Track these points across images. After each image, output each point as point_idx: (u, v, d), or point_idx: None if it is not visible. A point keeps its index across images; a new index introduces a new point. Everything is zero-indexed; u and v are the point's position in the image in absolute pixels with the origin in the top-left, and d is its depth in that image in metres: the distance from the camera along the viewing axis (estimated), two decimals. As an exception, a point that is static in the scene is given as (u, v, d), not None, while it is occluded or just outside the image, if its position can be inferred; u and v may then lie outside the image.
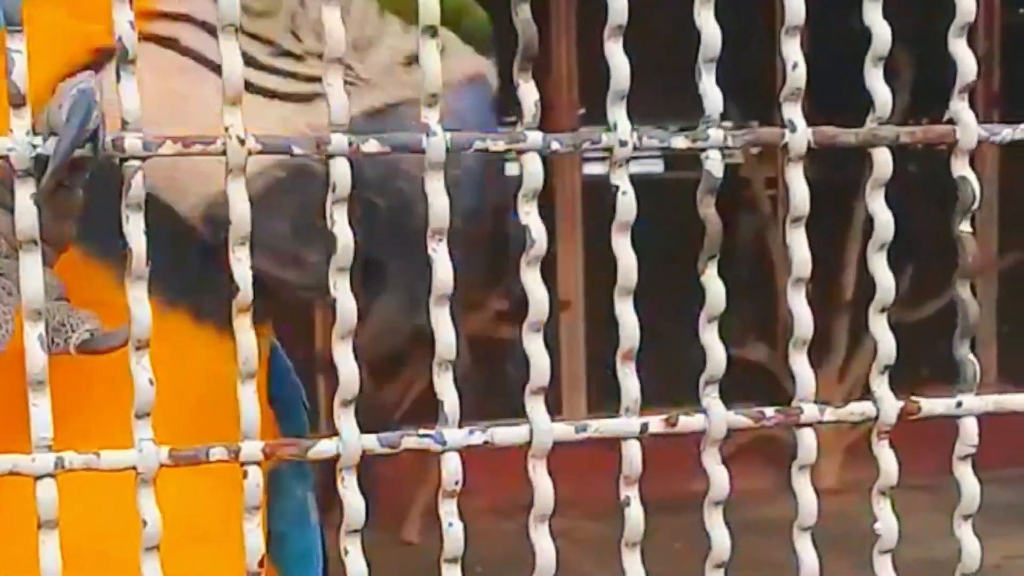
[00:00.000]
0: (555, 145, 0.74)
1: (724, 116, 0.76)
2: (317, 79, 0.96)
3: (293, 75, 1.03)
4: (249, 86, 1.03)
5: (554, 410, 0.91)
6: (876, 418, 0.80)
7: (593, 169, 6.76)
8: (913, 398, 0.80)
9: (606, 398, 5.99)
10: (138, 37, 1.09)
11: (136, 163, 0.68)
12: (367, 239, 1.00)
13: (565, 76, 6.55)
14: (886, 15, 0.77)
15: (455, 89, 1.00)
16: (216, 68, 1.01)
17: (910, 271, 5.87)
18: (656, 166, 7.41)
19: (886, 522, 0.80)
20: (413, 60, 0.96)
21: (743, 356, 6.61)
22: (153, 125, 1.02)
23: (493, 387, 5.54)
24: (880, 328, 0.79)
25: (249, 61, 1.01)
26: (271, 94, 1.03)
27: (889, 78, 0.78)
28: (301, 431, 1.20)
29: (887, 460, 0.80)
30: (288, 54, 1.04)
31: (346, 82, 1.01)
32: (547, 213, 6.49)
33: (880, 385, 0.80)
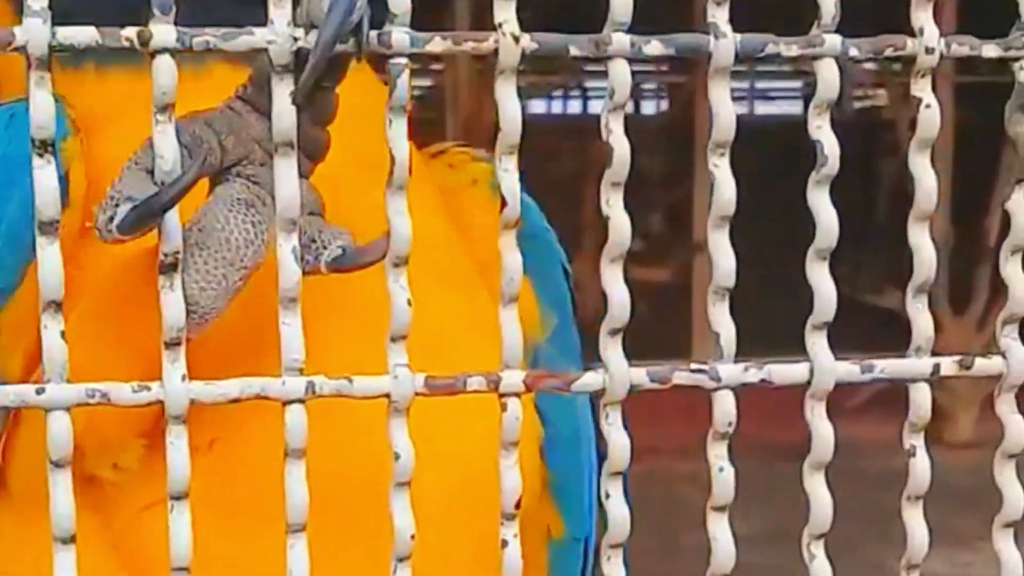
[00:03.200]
0: (853, 51, 0.66)
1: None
2: None
3: None
4: None
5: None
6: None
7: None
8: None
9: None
10: None
11: (402, 60, 0.62)
12: None
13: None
14: None
15: None
16: None
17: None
18: (796, 107, 7.26)
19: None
20: None
21: (877, 304, 6.47)
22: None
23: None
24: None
25: None
26: None
27: None
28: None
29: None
30: None
31: None
32: (687, 147, 6.39)
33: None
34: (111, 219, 0.70)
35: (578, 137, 6.49)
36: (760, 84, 6.88)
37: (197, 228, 0.77)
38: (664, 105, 7.02)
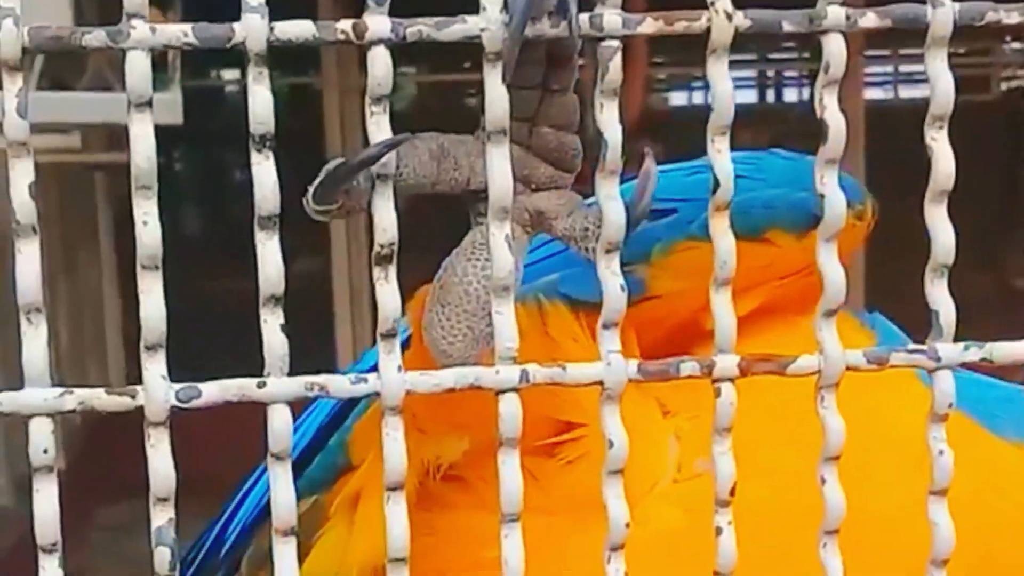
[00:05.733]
0: (1075, 16, 0.64)
1: None
2: None
3: None
4: None
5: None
6: None
7: (874, 95, 6.52)
8: None
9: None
10: None
11: (615, 43, 0.61)
12: None
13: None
14: None
15: None
16: None
17: None
18: (888, 92, 7.10)
19: None
20: None
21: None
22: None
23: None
24: None
25: None
26: None
27: None
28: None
29: None
30: None
31: None
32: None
33: None
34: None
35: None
36: (904, 68, 6.75)
37: (439, 284, 0.78)
38: (806, 93, 6.92)
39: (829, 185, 0.63)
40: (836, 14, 0.61)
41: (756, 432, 0.75)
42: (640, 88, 5.40)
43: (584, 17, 0.61)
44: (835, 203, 0.64)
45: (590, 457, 0.92)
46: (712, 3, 0.61)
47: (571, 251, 0.78)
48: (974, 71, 7.03)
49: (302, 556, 1.01)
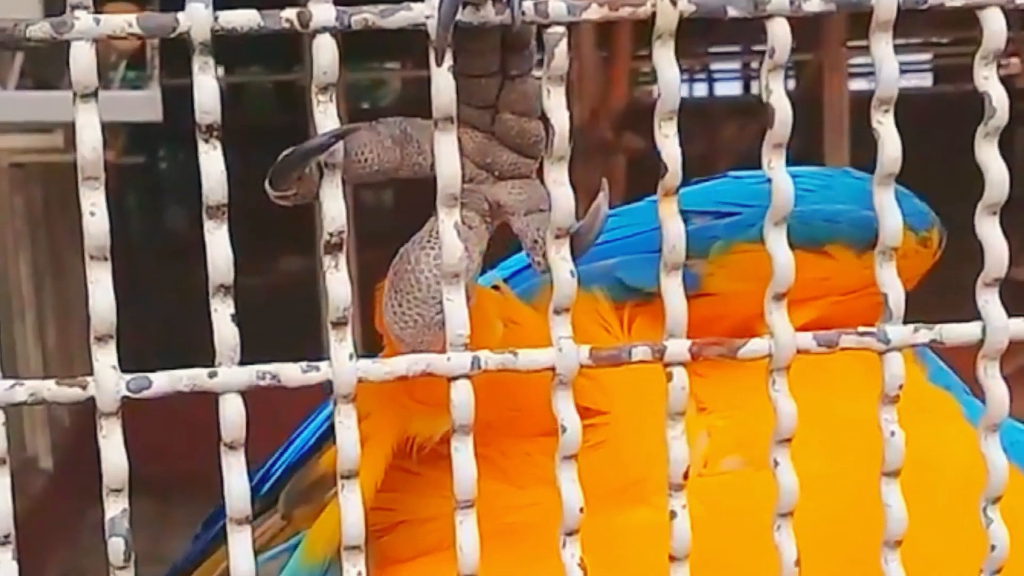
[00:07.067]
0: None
1: None
2: None
3: None
4: None
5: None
6: None
7: (858, 85, 6.53)
8: None
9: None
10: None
11: (560, 30, 0.61)
12: None
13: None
14: None
15: None
16: None
17: None
18: (925, 80, 7.12)
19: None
20: None
21: (1014, 276, 6.31)
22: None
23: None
24: None
25: None
26: None
27: None
28: None
29: None
30: None
31: None
32: (816, 126, 6.31)
33: None
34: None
35: (706, 120, 6.44)
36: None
37: (393, 271, 0.78)
38: (791, 84, 6.93)
39: (776, 169, 0.64)
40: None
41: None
42: (624, 79, 5.41)
43: (529, 4, 0.61)
44: (783, 187, 0.64)
45: (608, 446, 0.92)
46: (659, -10, 0.61)
47: (630, 237, 0.77)
48: (958, 60, 7.05)
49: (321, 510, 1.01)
